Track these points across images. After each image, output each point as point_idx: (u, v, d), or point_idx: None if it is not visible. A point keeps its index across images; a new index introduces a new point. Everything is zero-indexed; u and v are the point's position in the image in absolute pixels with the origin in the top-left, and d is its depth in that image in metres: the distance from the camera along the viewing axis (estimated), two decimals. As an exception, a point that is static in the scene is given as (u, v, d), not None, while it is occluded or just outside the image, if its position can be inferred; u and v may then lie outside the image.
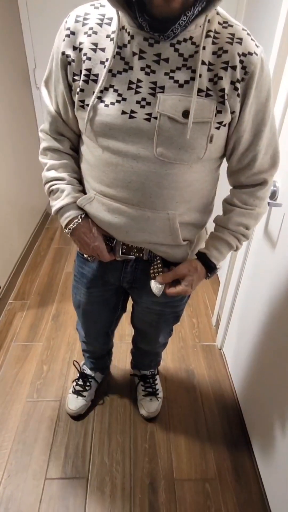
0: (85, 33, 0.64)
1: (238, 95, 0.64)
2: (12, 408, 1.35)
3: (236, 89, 0.63)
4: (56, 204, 0.80)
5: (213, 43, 0.62)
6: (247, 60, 0.62)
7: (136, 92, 0.63)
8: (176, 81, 0.62)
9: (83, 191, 0.83)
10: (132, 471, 1.17)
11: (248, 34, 0.64)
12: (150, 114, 0.64)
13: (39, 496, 1.10)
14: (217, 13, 0.64)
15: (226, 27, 0.63)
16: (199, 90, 0.63)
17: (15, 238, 2.03)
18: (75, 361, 1.47)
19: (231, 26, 0.64)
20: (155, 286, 0.83)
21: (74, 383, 1.39)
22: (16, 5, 2.04)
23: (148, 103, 0.63)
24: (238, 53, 0.62)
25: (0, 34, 1.78)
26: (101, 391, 1.43)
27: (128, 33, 0.62)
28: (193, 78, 0.62)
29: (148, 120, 0.64)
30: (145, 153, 0.67)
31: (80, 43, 0.65)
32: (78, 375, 1.41)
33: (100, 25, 0.64)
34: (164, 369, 1.53)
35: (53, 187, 0.80)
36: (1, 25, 1.80)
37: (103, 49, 0.64)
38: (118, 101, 0.64)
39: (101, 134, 0.68)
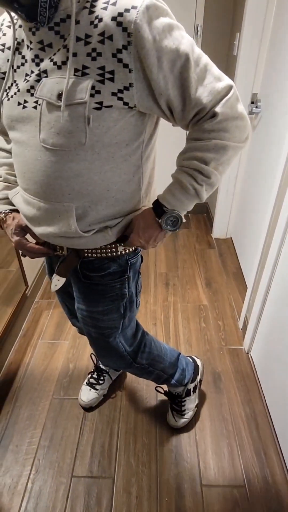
0: None
1: (125, 65, 0.57)
2: (40, 405, 1.37)
3: (120, 60, 0.56)
4: None
5: (90, 12, 0.56)
6: (124, 20, 0.54)
7: (27, 82, 0.64)
8: (55, 63, 0.60)
9: None
10: (159, 474, 1.16)
11: None
12: (37, 102, 0.64)
13: (66, 493, 1.11)
14: None
15: None
16: (76, 70, 0.58)
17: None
18: (92, 354, 1.47)
19: None
20: (54, 280, 0.83)
21: (89, 375, 1.41)
22: None
23: (35, 90, 0.64)
24: (113, 17, 0.54)
25: None
26: (116, 387, 1.43)
27: (24, 29, 0.62)
28: (67, 58, 0.59)
29: (35, 107, 0.64)
30: (33, 141, 0.66)
31: None
32: (93, 368, 1.42)
33: (9, 26, 0.67)
34: (190, 372, 1.51)
35: None
36: None
37: (9, 48, 0.67)
38: (15, 93, 0.66)
39: (8, 126, 0.71)
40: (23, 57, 0.65)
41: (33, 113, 0.65)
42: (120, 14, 0.54)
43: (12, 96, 0.67)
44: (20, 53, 0.65)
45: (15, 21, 0.65)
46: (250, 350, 1.60)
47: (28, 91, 0.65)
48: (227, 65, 2.18)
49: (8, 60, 0.67)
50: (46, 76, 0.62)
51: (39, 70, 0.63)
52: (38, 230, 0.77)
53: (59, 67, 0.60)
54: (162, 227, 0.74)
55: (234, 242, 2.44)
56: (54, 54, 0.61)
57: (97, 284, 0.85)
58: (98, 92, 0.59)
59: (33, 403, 1.38)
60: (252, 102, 1.92)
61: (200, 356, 1.59)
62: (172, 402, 1.30)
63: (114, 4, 0.55)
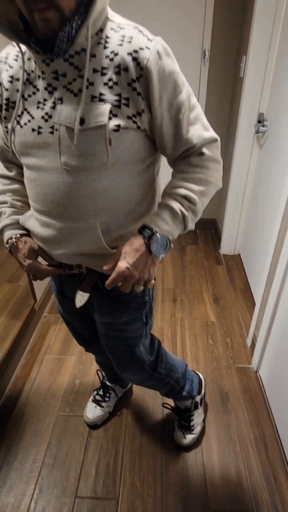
0: (6, 70, 0.72)
1: (139, 93, 0.64)
2: (45, 421, 1.36)
3: (134, 89, 0.63)
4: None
5: (105, 47, 0.64)
6: (139, 56, 0.62)
7: (42, 109, 0.68)
8: (71, 92, 0.65)
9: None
10: (164, 496, 1.13)
11: (139, 31, 0.64)
12: (53, 127, 0.67)
13: (69, 515, 1.08)
14: (110, 20, 0.65)
15: (118, 31, 0.65)
16: (93, 97, 0.64)
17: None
18: (99, 370, 1.46)
19: (123, 28, 0.65)
20: (78, 296, 0.84)
21: (95, 392, 1.40)
22: None
23: (50, 116, 0.67)
24: (129, 53, 0.62)
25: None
26: (121, 405, 1.42)
27: (34, 61, 0.67)
28: (86, 86, 0.64)
29: (52, 133, 0.67)
30: (53, 164, 0.69)
31: (2, 79, 0.73)
32: (99, 384, 1.41)
33: (16, 60, 0.72)
34: (197, 390, 1.48)
35: None
36: None
37: (18, 79, 0.71)
38: (29, 121, 0.70)
39: (21, 153, 0.73)
40: (34, 86, 0.69)
41: (50, 138, 0.68)
42: (136, 51, 0.62)
43: (25, 124, 0.70)
44: (30, 83, 0.69)
45: (22, 54, 0.70)
46: (258, 369, 1.57)
47: (42, 117, 0.68)
48: (234, 86, 2.24)
49: (17, 90, 0.71)
50: (61, 103, 0.66)
51: (54, 98, 0.66)
52: (58, 251, 0.79)
53: (76, 95, 0.65)
54: (152, 251, 0.71)
55: (242, 259, 2.43)
56: (70, 83, 0.65)
57: (119, 295, 0.87)
58: (116, 115, 0.65)
59: (38, 419, 1.37)
60: (259, 121, 1.96)
61: (207, 374, 1.57)
62: (181, 418, 1.28)
63: (129, 42, 0.63)
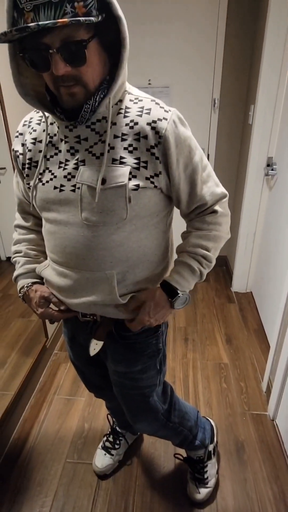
0: (29, 132, 0.80)
1: (157, 158, 0.70)
2: (52, 469, 1.31)
3: (153, 154, 0.70)
4: (14, 274, 0.91)
5: (125, 117, 0.71)
6: (157, 126, 0.69)
7: (64, 169, 0.74)
8: (93, 155, 0.71)
9: (43, 262, 0.91)
10: None
11: (156, 103, 0.72)
12: (74, 186, 0.73)
13: None
14: (129, 93, 0.73)
15: (136, 102, 0.72)
16: (114, 160, 0.70)
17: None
18: (109, 414, 1.41)
19: (141, 100, 0.72)
20: (92, 344, 0.86)
21: (105, 438, 1.35)
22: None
23: (73, 176, 0.73)
24: (148, 123, 0.69)
25: None
26: (132, 452, 1.36)
27: (57, 126, 0.74)
28: (108, 150, 0.70)
29: (74, 190, 0.73)
30: (74, 219, 0.74)
31: (25, 140, 0.80)
32: (109, 430, 1.36)
33: (39, 124, 0.79)
34: (210, 439, 1.42)
35: (14, 259, 0.92)
36: None
37: (40, 141, 0.77)
38: (51, 179, 0.75)
39: (42, 208, 0.79)
40: (56, 148, 0.75)
41: (72, 195, 0.73)
42: (154, 121, 0.69)
43: (47, 182, 0.76)
44: (53, 145, 0.76)
45: (46, 120, 0.77)
46: (275, 417, 1.50)
47: (65, 177, 0.74)
48: (243, 132, 2.35)
49: (40, 151, 0.77)
50: (83, 165, 0.72)
51: (77, 159, 0.73)
52: (74, 301, 0.81)
53: (98, 157, 0.71)
54: (173, 307, 0.81)
55: (254, 297, 2.41)
56: (91, 147, 0.72)
57: (134, 343, 0.89)
58: (135, 176, 0.71)
59: (45, 466, 1.32)
60: (268, 165, 2.03)
61: (221, 421, 1.50)
62: (194, 470, 1.22)
63: (148, 113, 0.70)
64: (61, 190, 0.74)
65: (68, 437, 1.43)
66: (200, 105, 2.30)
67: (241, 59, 2.20)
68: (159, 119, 0.69)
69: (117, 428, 1.35)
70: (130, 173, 0.70)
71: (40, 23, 0.54)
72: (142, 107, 0.71)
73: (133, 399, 0.97)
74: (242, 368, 1.80)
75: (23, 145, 0.80)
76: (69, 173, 0.73)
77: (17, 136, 0.82)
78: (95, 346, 0.87)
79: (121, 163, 0.70)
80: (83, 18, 0.55)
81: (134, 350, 0.89)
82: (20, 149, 0.80)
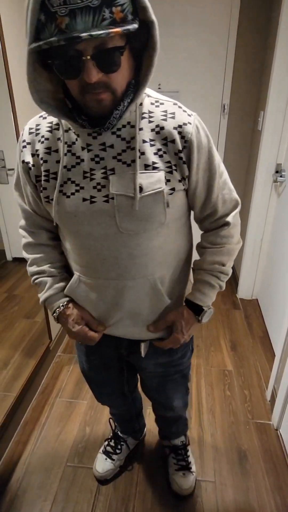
0: (39, 141, 0.74)
1: (184, 162, 0.70)
2: (52, 472, 1.30)
3: (180, 158, 0.70)
4: (41, 297, 0.86)
5: (149, 122, 0.70)
6: (183, 130, 0.69)
7: (91, 179, 0.70)
8: (124, 162, 0.69)
9: (67, 277, 0.88)
10: None
11: (179, 107, 0.71)
12: (107, 196, 0.70)
13: None
14: (148, 96, 0.72)
15: (158, 106, 0.71)
16: (146, 165, 0.69)
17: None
18: (111, 418, 1.40)
19: (163, 104, 0.71)
20: (143, 346, 0.89)
21: (106, 443, 1.34)
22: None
23: (103, 186, 0.70)
24: (174, 127, 0.69)
25: None
26: (133, 458, 1.35)
27: (74, 132, 0.70)
28: (139, 157, 0.68)
29: (107, 201, 0.70)
30: (111, 230, 0.72)
31: (37, 150, 0.74)
32: (111, 434, 1.36)
33: (50, 131, 0.73)
34: (213, 447, 1.40)
35: (36, 281, 0.86)
36: None
37: (56, 151, 0.72)
38: (77, 191, 0.71)
39: (69, 222, 0.74)
40: (78, 157, 0.71)
41: (106, 206, 0.70)
42: (180, 126, 0.69)
43: (73, 194, 0.71)
44: (72, 154, 0.71)
45: (63, 128, 0.72)
46: (279, 427, 1.47)
47: (94, 187, 0.70)
48: (252, 138, 2.34)
49: (57, 161, 0.72)
50: (113, 173, 0.69)
51: (105, 168, 0.69)
52: (114, 313, 0.82)
53: (129, 165, 0.69)
54: (201, 321, 0.85)
55: (260, 304, 2.38)
56: (119, 154, 0.69)
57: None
58: (169, 180, 0.70)
59: (45, 469, 1.31)
60: (277, 172, 2.01)
61: (224, 428, 1.48)
62: (178, 459, 1.28)
63: (173, 117, 0.69)
64: (92, 202, 0.71)
65: (69, 441, 1.42)
66: (210, 110, 2.30)
67: (252, 64, 2.20)
68: (184, 124, 0.69)
69: (119, 433, 1.34)
70: (165, 177, 0.70)
71: (93, 33, 0.51)
72: (166, 111, 0.70)
73: (175, 382, 1.03)
74: (246, 375, 1.78)
75: (33, 155, 0.75)
76: (98, 183, 0.70)
77: (24, 146, 0.75)
78: (144, 347, 0.90)
79: (154, 168, 0.69)
80: (132, 27, 0.53)
81: None
82: (31, 160, 0.75)
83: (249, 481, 1.28)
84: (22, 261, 1.95)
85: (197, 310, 0.84)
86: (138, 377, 1.16)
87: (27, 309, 1.84)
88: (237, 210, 0.82)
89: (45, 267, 0.85)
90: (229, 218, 0.81)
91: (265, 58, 2.08)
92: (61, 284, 0.86)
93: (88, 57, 0.55)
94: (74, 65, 0.57)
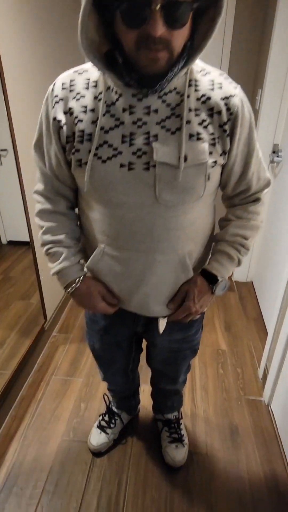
0: (74, 98, 0.68)
1: (227, 135, 0.68)
2: (48, 446, 1.33)
3: (224, 131, 0.68)
4: (53, 268, 0.82)
5: (196, 90, 0.67)
6: (230, 102, 0.67)
7: (131, 145, 0.66)
8: (168, 130, 0.66)
9: (82, 251, 0.85)
10: (168, 536, 1.07)
11: (225, 78, 0.70)
12: (148, 163, 0.66)
13: None
14: (195, 63, 0.69)
15: (205, 75, 0.68)
16: (191, 135, 0.66)
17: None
18: (105, 394, 1.43)
19: (209, 73, 0.69)
20: (161, 322, 0.89)
21: (100, 417, 1.37)
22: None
23: (144, 153, 0.66)
24: (221, 98, 0.67)
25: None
26: (127, 432, 1.38)
27: (116, 92, 0.66)
28: (182, 125, 0.66)
29: (147, 169, 0.66)
30: (148, 200, 0.69)
31: (70, 108, 0.68)
32: (105, 409, 1.39)
33: (87, 88, 0.68)
34: (205, 422, 1.43)
35: (50, 250, 0.81)
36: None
37: (92, 110, 0.67)
38: (114, 155, 0.67)
39: (102, 189, 0.69)
40: (117, 119, 0.66)
41: (145, 174, 0.67)
42: (227, 98, 0.67)
43: (109, 159, 0.67)
44: (112, 115, 0.66)
45: (105, 85, 0.67)
46: (270, 403, 1.51)
47: (134, 153, 0.66)
48: (250, 117, 2.30)
49: (93, 121, 0.67)
50: (156, 140, 0.65)
51: (147, 134, 0.65)
52: (138, 288, 0.80)
53: (173, 133, 0.66)
54: (214, 292, 0.83)
55: (254, 286, 2.40)
56: (163, 121, 0.65)
57: None
58: (211, 153, 0.68)
59: (41, 443, 1.34)
60: (274, 152, 1.99)
61: (217, 405, 1.51)
62: (171, 432, 1.31)
63: (220, 88, 0.67)
64: (130, 169, 0.67)
65: (65, 416, 1.45)
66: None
67: (250, 42, 2.14)
68: (231, 96, 0.67)
69: (113, 408, 1.37)
70: (208, 149, 0.67)
71: None
72: (213, 81, 0.68)
73: (185, 356, 1.07)
74: (239, 355, 1.81)
75: (66, 113, 0.68)
76: (139, 149, 0.66)
77: (57, 102, 0.69)
78: (162, 323, 0.89)
79: (198, 138, 0.66)
80: None
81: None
82: (63, 118, 0.69)
83: (239, 454, 1.31)
84: (17, 244, 1.95)
85: (212, 281, 0.82)
86: (145, 352, 1.17)
87: (23, 290, 1.84)
88: (268, 189, 0.82)
89: (61, 237, 0.81)
90: (259, 194, 0.81)
91: (264, 35, 2.02)
92: (78, 257, 0.83)
93: (158, 7, 0.52)
94: (140, 13, 0.53)
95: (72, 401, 1.52)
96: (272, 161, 1.98)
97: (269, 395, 1.49)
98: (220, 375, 1.67)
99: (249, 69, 2.21)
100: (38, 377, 1.65)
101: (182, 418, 1.37)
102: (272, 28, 1.79)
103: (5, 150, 1.47)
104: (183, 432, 1.34)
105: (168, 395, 1.28)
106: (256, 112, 2.09)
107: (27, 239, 1.76)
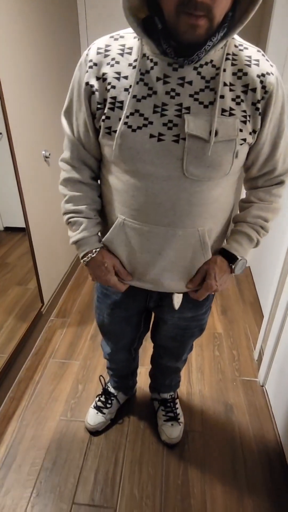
0: (108, 63, 0.67)
1: (259, 114, 0.67)
2: (46, 425, 1.35)
3: (257, 109, 0.67)
4: (73, 237, 0.83)
5: (232, 64, 0.66)
6: (266, 80, 0.66)
7: (162, 115, 0.65)
8: (201, 103, 0.65)
9: (102, 223, 0.86)
10: (163, 508, 1.10)
11: (263, 55, 0.69)
12: (178, 136, 0.65)
13: (65, 521, 1.06)
14: (233, 38, 0.68)
15: (242, 50, 0.67)
16: (223, 110, 0.65)
17: (61, 258, 2.13)
18: (101, 376, 1.46)
19: (247, 48, 0.68)
20: (176, 298, 0.89)
21: (97, 399, 1.39)
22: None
23: (175, 125, 0.65)
24: (258, 75, 0.66)
25: (58, 27, 1.98)
26: (123, 412, 1.40)
27: (151, 60, 0.65)
28: (216, 99, 0.65)
29: (177, 141, 0.66)
30: (175, 173, 0.68)
31: (104, 74, 0.67)
32: (102, 390, 1.41)
33: (122, 55, 0.67)
34: (201, 401, 1.46)
35: (71, 219, 0.82)
36: (60, 18, 2.01)
37: (126, 77, 0.66)
38: (145, 125, 0.66)
39: (130, 158, 0.69)
40: (150, 88, 0.65)
41: (174, 146, 0.66)
42: (263, 75, 0.66)
43: (139, 128, 0.66)
44: (145, 84, 0.65)
45: (142, 51, 0.66)
46: (265, 383, 1.53)
47: (165, 124, 0.65)
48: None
49: (125, 89, 0.66)
50: (188, 113, 0.65)
51: (180, 105, 0.65)
52: (157, 262, 0.80)
53: (206, 106, 0.65)
54: (234, 271, 0.83)
55: (252, 271, 2.41)
56: (197, 93, 0.65)
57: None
58: (241, 130, 0.67)
59: (39, 423, 1.36)
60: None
61: (212, 385, 1.54)
62: (167, 411, 1.33)
63: (257, 64, 0.66)
64: (159, 140, 0.66)
65: (62, 397, 1.47)
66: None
67: (250, 22, 2.09)
68: (268, 73, 0.66)
69: (110, 389, 1.39)
70: (238, 126, 0.67)
71: None
72: (250, 57, 0.67)
73: (193, 335, 1.08)
74: (235, 337, 1.83)
75: (99, 78, 0.67)
76: (170, 121, 0.65)
77: (91, 67, 0.67)
78: (177, 299, 0.91)
79: (231, 114, 0.66)
80: None
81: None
82: (95, 83, 0.67)
83: (234, 431, 1.34)
84: (14, 230, 1.94)
85: (230, 259, 0.83)
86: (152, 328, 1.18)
87: (20, 276, 1.84)
88: None
89: (83, 207, 0.81)
90: (284, 178, 0.80)
91: (264, 16, 1.98)
92: (97, 228, 0.84)
93: None
94: None
95: (69, 383, 1.54)
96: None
97: (264, 376, 1.51)
98: (216, 357, 1.69)
99: (250, 40, 2.17)
100: (36, 360, 1.67)
101: (178, 398, 1.39)
102: (272, 6, 1.75)
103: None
104: (179, 411, 1.36)
105: (168, 373, 1.29)
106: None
107: (23, 225, 1.75)
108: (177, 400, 1.38)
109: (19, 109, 1.45)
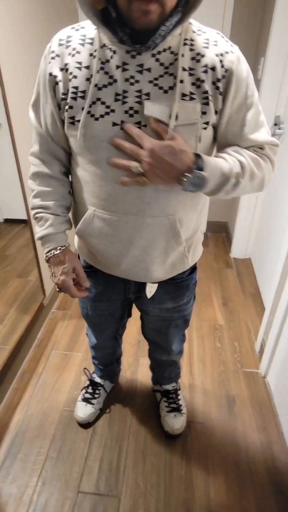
0: (69, 54, 0.68)
1: (220, 93, 0.67)
2: (50, 416, 1.37)
3: (217, 88, 0.66)
4: (39, 232, 0.83)
5: (190, 49, 0.66)
6: (225, 58, 0.66)
7: (124, 103, 0.66)
8: (160, 88, 0.65)
9: (70, 221, 0.86)
10: (167, 498, 1.12)
11: (222, 37, 0.68)
12: (139, 123, 0.66)
13: (71, 509, 1.08)
14: (190, 23, 0.68)
15: (200, 34, 0.67)
16: (183, 95, 0.65)
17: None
18: (86, 368, 1.47)
19: (205, 32, 0.68)
20: (148, 288, 0.90)
21: (84, 391, 1.40)
22: None
23: (136, 112, 0.66)
24: (216, 54, 0.66)
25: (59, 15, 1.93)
26: (109, 401, 1.42)
27: (110, 49, 0.65)
28: (176, 84, 0.65)
29: (139, 128, 0.66)
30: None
31: (66, 64, 0.68)
32: (87, 383, 1.42)
33: (82, 45, 0.68)
34: (203, 393, 1.47)
35: (38, 215, 0.82)
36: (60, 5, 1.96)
37: (87, 67, 0.67)
38: (107, 113, 0.66)
39: (94, 148, 0.69)
40: (110, 76, 0.65)
41: None
42: (222, 54, 0.66)
43: (102, 116, 0.66)
44: (105, 72, 0.66)
45: (100, 41, 0.66)
46: (266, 375, 1.54)
47: (126, 112, 0.66)
48: (251, 89, 2.22)
49: (87, 78, 0.66)
50: (148, 99, 0.65)
51: (139, 92, 0.65)
52: (128, 252, 0.80)
53: (165, 92, 0.65)
54: (186, 174, 0.66)
55: (253, 263, 2.41)
56: (156, 79, 0.65)
57: (182, 281, 0.95)
58: (204, 113, 0.67)
59: (43, 413, 1.38)
60: (275, 124, 1.94)
61: (214, 377, 1.55)
62: (170, 402, 1.34)
63: (215, 44, 0.66)
64: (122, 128, 0.66)
65: (66, 388, 1.48)
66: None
67: (252, 7, 2.04)
68: (226, 52, 0.66)
69: (95, 379, 1.41)
70: (201, 109, 0.66)
71: None
72: (208, 39, 0.67)
73: (177, 326, 1.09)
74: (236, 329, 1.83)
75: (62, 69, 0.68)
76: (131, 108, 0.65)
77: (53, 58, 0.68)
78: (150, 289, 0.91)
79: (191, 98, 0.65)
80: None
81: (182, 287, 0.97)
82: (59, 74, 0.68)
83: (236, 422, 1.36)
84: (13, 222, 1.92)
85: (197, 157, 0.67)
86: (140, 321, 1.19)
87: (20, 268, 1.83)
88: (275, 148, 0.77)
89: (51, 203, 0.81)
90: (265, 145, 0.74)
91: (266, 4, 1.92)
92: (64, 226, 0.84)
93: None
94: None
95: (72, 374, 1.55)
96: (273, 134, 1.93)
97: (266, 367, 1.53)
98: (218, 349, 1.70)
99: (252, 37, 2.12)
100: (39, 352, 1.67)
101: (180, 389, 1.41)
102: (276, -10, 1.70)
103: (-1, 125, 1.42)
104: (181, 402, 1.37)
105: (164, 366, 1.31)
106: (258, 82, 2.01)
107: (24, 217, 1.73)
108: (180, 391, 1.40)
109: (20, 99, 1.41)
